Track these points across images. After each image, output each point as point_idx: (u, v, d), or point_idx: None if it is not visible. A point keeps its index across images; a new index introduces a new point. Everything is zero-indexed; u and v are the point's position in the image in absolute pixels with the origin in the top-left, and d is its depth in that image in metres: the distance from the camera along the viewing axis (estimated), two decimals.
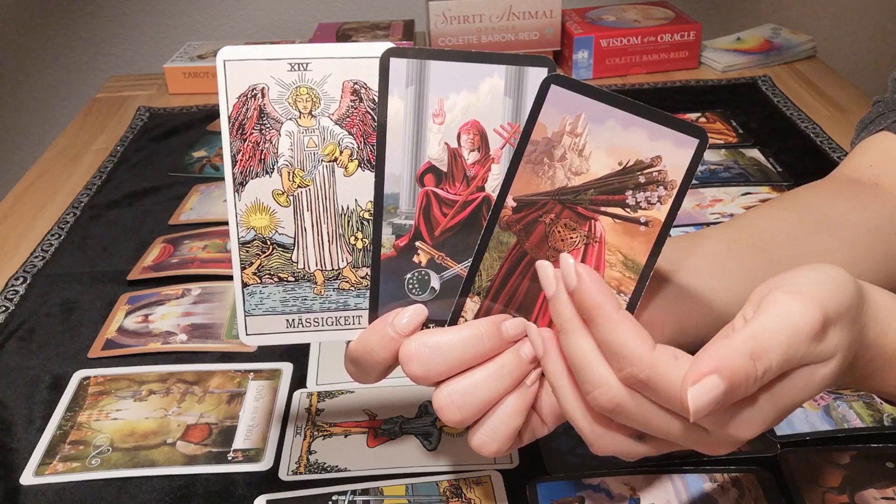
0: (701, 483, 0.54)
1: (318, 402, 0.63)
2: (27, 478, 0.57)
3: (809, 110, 1.09)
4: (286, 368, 0.67)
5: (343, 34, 1.29)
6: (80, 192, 0.97)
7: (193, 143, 1.08)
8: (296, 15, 1.55)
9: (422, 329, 0.47)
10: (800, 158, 0.96)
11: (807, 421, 0.58)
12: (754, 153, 0.98)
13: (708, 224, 0.83)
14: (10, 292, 0.78)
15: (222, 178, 0.97)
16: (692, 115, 1.08)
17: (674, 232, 0.78)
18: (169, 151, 1.07)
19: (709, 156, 0.97)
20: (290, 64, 0.46)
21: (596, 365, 0.40)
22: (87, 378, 0.66)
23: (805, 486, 0.53)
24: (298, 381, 0.65)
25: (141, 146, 1.09)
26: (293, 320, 0.49)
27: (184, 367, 0.67)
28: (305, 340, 0.50)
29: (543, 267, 0.44)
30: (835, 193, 0.60)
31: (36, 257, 0.84)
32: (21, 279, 0.80)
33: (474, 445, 0.46)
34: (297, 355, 0.68)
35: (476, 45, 1.24)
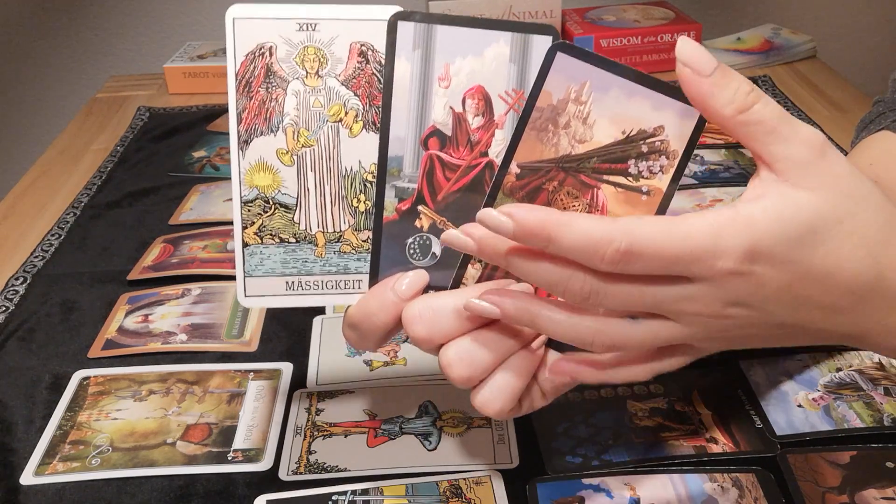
0: (701, 483, 0.54)
1: (318, 402, 0.63)
2: (27, 478, 0.57)
3: (809, 110, 1.09)
4: (286, 368, 0.67)
5: None
6: (80, 192, 0.97)
7: (193, 143, 1.08)
8: None
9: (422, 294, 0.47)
10: None
11: (807, 421, 0.58)
12: None
13: None
14: (10, 292, 0.78)
15: (222, 178, 0.98)
16: None
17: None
18: (169, 151, 1.07)
19: (709, 156, 0.97)
20: (299, 24, 0.46)
21: (557, 268, 0.39)
22: (87, 378, 0.66)
23: (805, 486, 0.53)
24: (298, 381, 0.65)
25: (141, 146, 1.09)
26: (293, 283, 0.49)
27: (184, 367, 0.67)
28: (305, 303, 0.49)
29: (451, 236, 0.42)
30: None
31: (36, 257, 0.84)
32: (21, 279, 0.80)
33: (477, 404, 0.46)
34: (298, 355, 0.68)
35: None
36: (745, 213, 0.38)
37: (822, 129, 1.03)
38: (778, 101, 1.11)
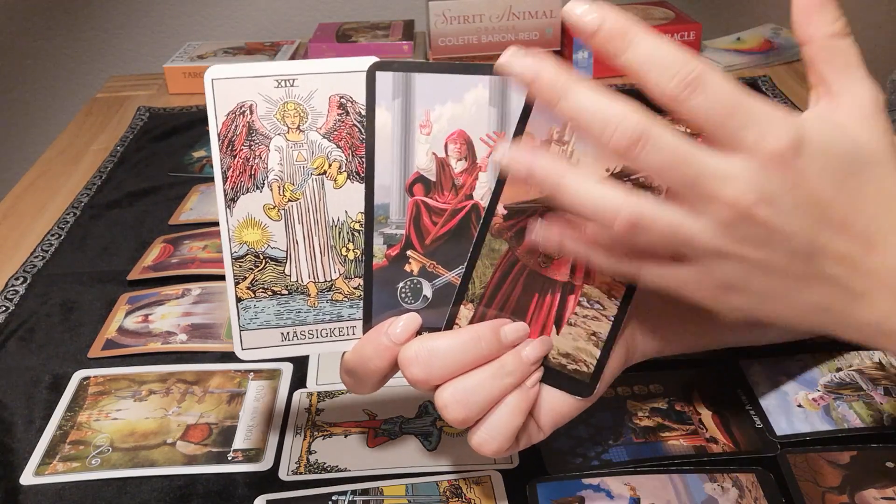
0: (701, 483, 0.54)
1: (318, 402, 0.63)
2: (27, 478, 0.57)
3: None
4: (286, 368, 0.67)
5: (343, 34, 1.29)
6: (80, 192, 0.97)
7: (193, 143, 1.08)
8: (296, 15, 1.55)
9: (416, 336, 0.47)
10: None
11: (807, 421, 0.58)
12: None
13: None
14: (10, 292, 0.78)
15: None
16: None
17: None
18: (169, 151, 1.07)
19: None
20: (277, 80, 0.47)
21: (608, 104, 0.37)
22: (87, 378, 0.66)
23: (805, 486, 0.53)
24: (298, 381, 0.65)
25: (141, 146, 1.09)
26: (288, 333, 0.50)
27: (184, 367, 0.67)
28: (301, 353, 0.50)
29: (505, 63, 0.39)
30: None
31: (36, 257, 0.84)
32: (21, 279, 0.80)
33: (474, 444, 0.46)
34: (297, 355, 0.68)
35: (476, 45, 1.24)
36: (799, 115, 0.39)
37: None
38: (778, 102, 1.11)
